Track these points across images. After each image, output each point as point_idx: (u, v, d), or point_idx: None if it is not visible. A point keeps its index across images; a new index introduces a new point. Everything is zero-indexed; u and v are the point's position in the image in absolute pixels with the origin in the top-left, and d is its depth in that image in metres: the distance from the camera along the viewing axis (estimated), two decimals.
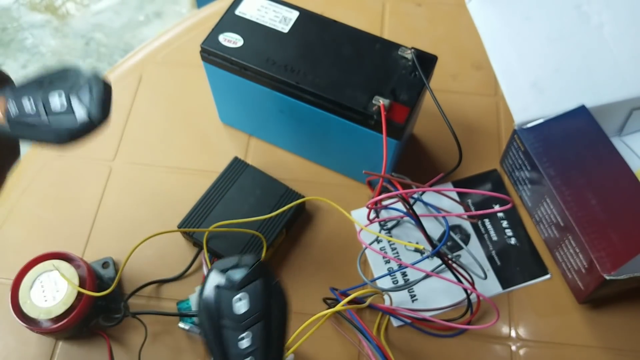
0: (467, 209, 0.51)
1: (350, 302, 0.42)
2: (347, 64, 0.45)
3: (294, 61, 0.45)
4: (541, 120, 0.47)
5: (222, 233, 0.47)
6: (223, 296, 0.27)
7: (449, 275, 0.42)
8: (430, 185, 0.50)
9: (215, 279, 0.27)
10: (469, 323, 0.45)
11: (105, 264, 0.47)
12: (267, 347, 0.27)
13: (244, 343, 0.26)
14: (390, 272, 0.48)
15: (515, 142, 0.48)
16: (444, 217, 0.48)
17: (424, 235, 0.41)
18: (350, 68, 0.45)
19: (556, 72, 0.47)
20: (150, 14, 1.51)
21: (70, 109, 0.31)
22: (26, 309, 0.41)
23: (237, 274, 0.27)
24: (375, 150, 0.44)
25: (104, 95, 0.32)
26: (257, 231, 0.46)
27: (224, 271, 0.27)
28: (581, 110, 0.46)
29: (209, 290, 0.27)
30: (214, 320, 0.27)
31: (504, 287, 0.47)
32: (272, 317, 0.27)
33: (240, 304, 0.27)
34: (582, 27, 0.48)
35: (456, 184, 0.52)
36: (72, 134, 0.32)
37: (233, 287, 0.27)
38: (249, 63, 0.45)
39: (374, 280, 0.47)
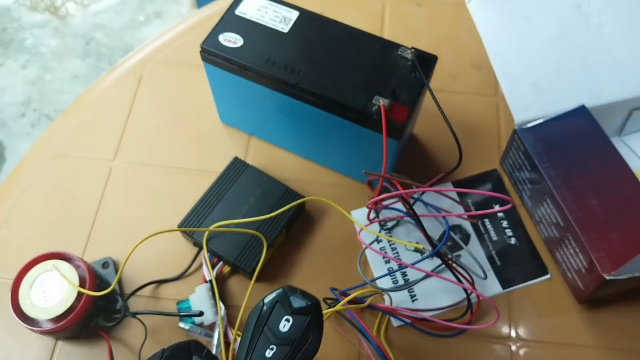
0: (467, 209, 0.51)
1: (350, 302, 0.42)
2: (347, 64, 0.45)
3: (294, 61, 0.45)
4: (541, 120, 0.47)
5: (222, 233, 0.47)
6: (277, 310, 0.32)
7: (449, 275, 0.42)
8: (430, 185, 0.50)
9: (280, 295, 0.32)
10: (469, 323, 0.45)
11: (105, 264, 0.47)
12: None
13: (269, 353, 0.31)
14: (390, 272, 0.48)
15: (515, 142, 0.48)
16: (444, 217, 0.48)
17: (424, 235, 0.41)
18: (350, 68, 0.45)
19: (556, 72, 0.47)
20: (150, 14, 1.51)
21: None
22: (26, 308, 0.41)
23: (296, 302, 0.32)
24: (375, 150, 0.44)
25: None
26: (257, 231, 0.46)
27: (289, 294, 0.32)
28: (581, 110, 0.46)
29: (271, 300, 0.32)
30: (260, 322, 0.32)
31: (504, 287, 0.47)
32: (300, 349, 0.31)
33: (285, 324, 0.31)
34: (582, 27, 0.48)
35: (456, 184, 0.52)
36: None
37: (288, 309, 0.32)
38: (249, 63, 0.45)
39: (374, 280, 0.47)
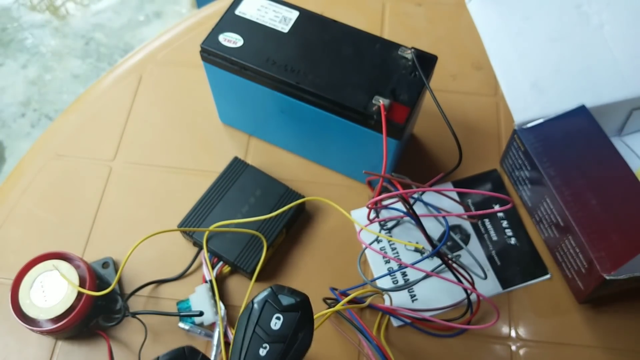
0: (467, 209, 0.51)
1: (350, 302, 0.42)
2: (347, 64, 0.45)
3: (294, 61, 0.45)
4: (541, 120, 0.47)
5: (222, 233, 0.47)
6: (267, 309, 0.32)
7: (449, 275, 0.42)
8: (430, 185, 0.50)
9: (269, 295, 0.33)
10: (469, 323, 0.45)
11: (105, 264, 0.47)
12: None
13: (262, 352, 0.31)
14: (390, 272, 0.48)
15: (515, 142, 0.48)
16: (444, 217, 0.48)
17: (424, 235, 0.41)
18: (350, 68, 0.45)
19: (556, 72, 0.47)
20: (150, 14, 1.51)
21: None
22: (26, 308, 0.41)
23: (285, 300, 0.33)
24: (375, 150, 0.44)
25: None
26: (257, 231, 0.46)
27: (277, 292, 0.33)
28: (581, 110, 0.46)
29: (260, 299, 0.33)
30: (251, 322, 0.32)
31: (504, 287, 0.47)
32: (292, 345, 0.32)
33: (276, 322, 0.32)
34: (582, 27, 0.48)
35: (456, 184, 0.52)
36: None
37: (278, 307, 0.32)
38: (249, 63, 0.45)
39: (374, 280, 0.47)
